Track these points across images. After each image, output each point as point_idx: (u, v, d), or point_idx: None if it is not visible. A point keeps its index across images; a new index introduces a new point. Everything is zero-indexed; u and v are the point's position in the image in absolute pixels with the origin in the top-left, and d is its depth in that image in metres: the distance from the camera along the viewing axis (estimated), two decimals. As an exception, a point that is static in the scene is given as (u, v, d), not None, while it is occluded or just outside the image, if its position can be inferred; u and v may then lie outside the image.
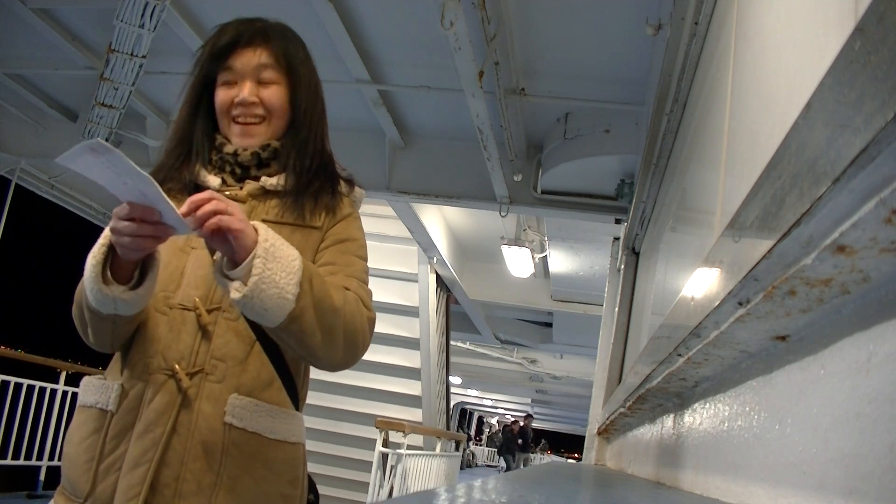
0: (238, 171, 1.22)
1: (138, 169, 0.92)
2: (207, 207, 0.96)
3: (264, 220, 1.18)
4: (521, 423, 16.63)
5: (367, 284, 1.22)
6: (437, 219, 6.48)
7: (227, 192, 1.20)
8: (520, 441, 15.52)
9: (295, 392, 1.21)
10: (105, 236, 1.05)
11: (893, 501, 0.46)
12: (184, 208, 0.96)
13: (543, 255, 6.89)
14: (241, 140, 1.21)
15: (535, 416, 21.08)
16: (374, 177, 4.92)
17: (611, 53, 3.61)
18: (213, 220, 0.96)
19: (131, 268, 1.06)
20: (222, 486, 1.10)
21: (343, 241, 1.23)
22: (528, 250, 6.61)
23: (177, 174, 1.21)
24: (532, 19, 3.43)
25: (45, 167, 5.91)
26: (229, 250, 1.00)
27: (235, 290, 0.99)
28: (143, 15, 3.46)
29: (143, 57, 3.79)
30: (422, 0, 3.28)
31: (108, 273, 1.05)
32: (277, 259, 1.00)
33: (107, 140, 4.90)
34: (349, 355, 1.14)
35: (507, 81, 3.79)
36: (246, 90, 1.18)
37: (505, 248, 6.60)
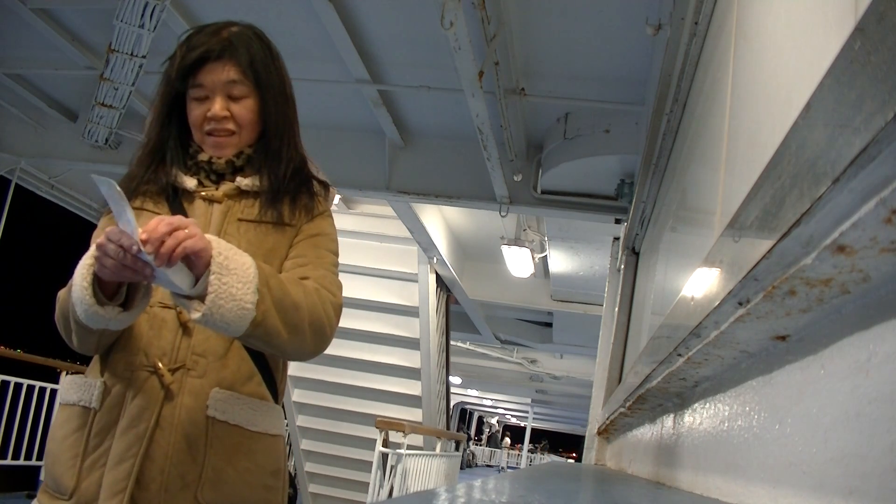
0: (213, 176, 1.25)
1: (133, 228, 0.96)
2: (170, 243, 0.97)
3: (241, 220, 1.22)
4: None
5: (335, 275, 1.25)
6: (437, 219, 6.48)
7: (204, 193, 1.23)
8: None
9: (274, 385, 1.24)
10: (89, 256, 1.06)
11: (893, 501, 0.46)
12: (148, 248, 0.96)
13: (543, 255, 6.88)
14: (215, 151, 1.24)
15: (535, 415, 21.02)
16: (374, 177, 4.92)
17: (611, 53, 3.60)
18: (178, 250, 0.97)
19: (116, 284, 1.07)
20: (207, 480, 1.12)
21: (315, 235, 1.26)
22: (528, 250, 6.61)
23: (153, 177, 1.23)
24: (532, 19, 3.42)
25: (45, 167, 5.91)
26: (186, 264, 1.02)
27: (195, 311, 1.01)
28: (143, 15, 3.46)
29: (143, 57, 3.79)
30: (422, 0, 3.28)
31: (100, 293, 1.06)
32: (232, 271, 1.02)
33: (107, 141, 4.90)
34: (318, 344, 1.17)
35: (507, 81, 3.79)
36: (217, 106, 1.20)
37: (505, 248, 6.60)
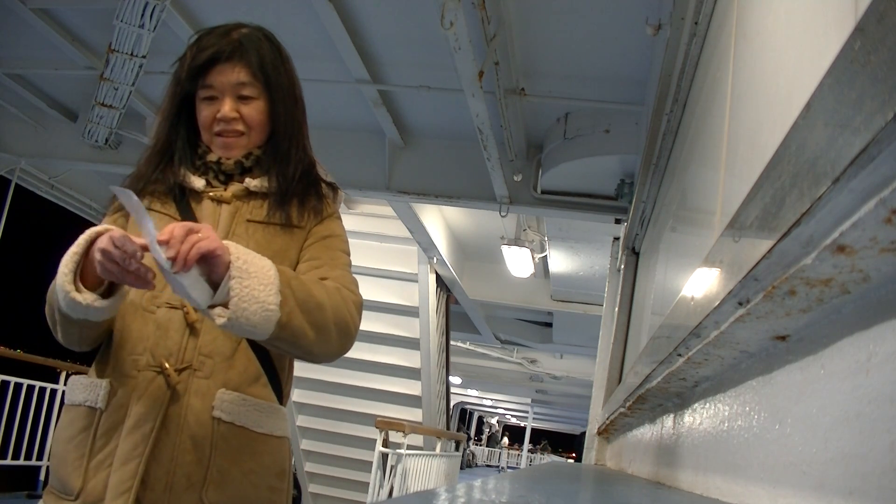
0: (221, 176, 1.25)
1: (153, 236, 0.96)
2: (184, 247, 0.97)
3: (249, 221, 1.22)
4: None
5: (351, 275, 1.26)
6: (437, 219, 6.48)
7: (212, 193, 1.23)
8: None
9: (280, 387, 1.24)
10: (79, 244, 1.06)
11: (893, 501, 0.46)
12: (170, 252, 0.96)
13: (543, 255, 6.88)
14: (223, 152, 1.24)
15: (534, 415, 21.01)
16: (374, 177, 4.92)
17: (611, 53, 3.60)
18: (193, 252, 0.97)
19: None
20: (212, 480, 1.12)
21: (326, 237, 1.26)
22: (528, 250, 6.61)
23: (161, 176, 1.24)
24: (532, 19, 3.42)
25: (45, 167, 5.90)
26: (205, 272, 1.01)
27: (219, 317, 1.00)
28: (143, 15, 3.46)
29: (143, 57, 3.79)
30: (422, 0, 3.28)
31: (79, 281, 1.06)
32: (252, 275, 1.02)
33: (107, 141, 4.90)
34: (343, 343, 1.17)
35: (507, 81, 3.79)
36: (227, 107, 1.21)
37: (505, 248, 6.60)
